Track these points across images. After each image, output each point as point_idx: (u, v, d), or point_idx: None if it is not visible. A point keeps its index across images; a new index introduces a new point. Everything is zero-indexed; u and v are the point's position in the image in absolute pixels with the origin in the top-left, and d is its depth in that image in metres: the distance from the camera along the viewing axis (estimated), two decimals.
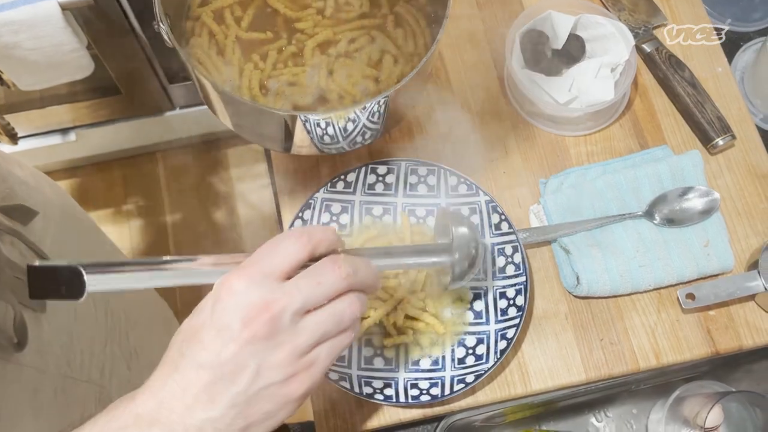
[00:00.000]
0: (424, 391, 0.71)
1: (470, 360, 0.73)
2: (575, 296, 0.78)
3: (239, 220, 1.86)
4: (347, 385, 0.70)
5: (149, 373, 0.86)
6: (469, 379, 0.71)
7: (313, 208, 0.77)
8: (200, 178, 1.92)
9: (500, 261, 0.77)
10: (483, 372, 0.71)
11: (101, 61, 1.41)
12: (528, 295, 0.74)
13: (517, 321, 0.73)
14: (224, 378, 0.46)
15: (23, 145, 1.66)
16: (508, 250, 0.76)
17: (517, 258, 0.76)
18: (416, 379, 0.73)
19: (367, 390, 0.71)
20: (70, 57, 1.20)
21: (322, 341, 0.49)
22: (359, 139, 0.68)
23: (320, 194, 0.77)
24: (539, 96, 0.80)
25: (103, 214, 1.87)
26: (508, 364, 0.76)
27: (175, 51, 0.62)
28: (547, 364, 0.76)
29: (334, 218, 0.78)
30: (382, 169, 0.79)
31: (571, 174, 0.82)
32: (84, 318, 0.74)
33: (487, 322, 0.75)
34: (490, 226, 0.78)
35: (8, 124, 1.33)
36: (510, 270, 0.76)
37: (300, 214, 0.76)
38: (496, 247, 0.77)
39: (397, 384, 0.72)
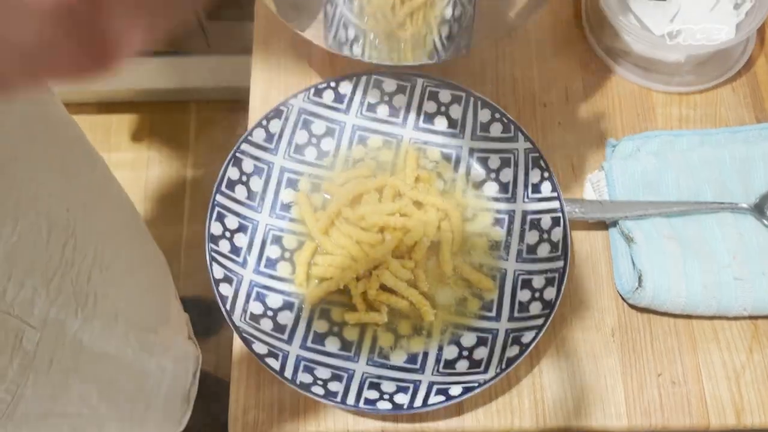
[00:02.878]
0: (386, 396, 0.49)
1: (462, 365, 0.50)
2: (631, 305, 0.55)
3: None
4: (276, 366, 0.48)
5: (106, 323, 0.68)
6: (455, 390, 0.48)
7: (285, 119, 0.56)
8: (232, 135, 1.76)
9: (531, 236, 0.54)
10: (477, 385, 0.48)
11: None
12: (563, 288, 0.50)
13: (540, 321, 0.50)
14: None
15: None
16: (546, 222, 0.53)
17: (557, 234, 0.52)
18: (379, 377, 0.50)
19: (305, 378, 0.49)
20: None
21: None
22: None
23: (297, 101, 0.56)
24: (628, 23, 0.57)
25: (123, 158, 1.72)
26: (518, 383, 0.52)
27: None
28: (574, 395, 0.52)
29: (314, 140, 0.57)
30: (389, 85, 0.57)
31: (655, 139, 0.58)
32: (25, 237, 0.55)
33: (497, 317, 0.52)
34: (527, 185, 0.55)
35: None
36: (543, 250, 0.53)
37: (264, 122, 0.55)
38: (529, 217, 0.54)
39: (350, 378, 0.50)
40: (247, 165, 0.54)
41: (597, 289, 0.55)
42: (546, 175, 0.54)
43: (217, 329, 1.46)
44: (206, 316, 1.49)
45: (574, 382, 0.52)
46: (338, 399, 0.48)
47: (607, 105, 0.61)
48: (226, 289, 0.50)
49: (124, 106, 1.78)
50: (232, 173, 0.54)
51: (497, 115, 0.56)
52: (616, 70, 0.62)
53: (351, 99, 0.57)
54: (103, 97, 1.74)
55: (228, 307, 0.50)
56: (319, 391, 0.48)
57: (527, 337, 0.50)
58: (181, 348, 0.87)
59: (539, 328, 0.49)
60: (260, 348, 0.49)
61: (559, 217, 0.53)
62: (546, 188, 0.54)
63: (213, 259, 0.51)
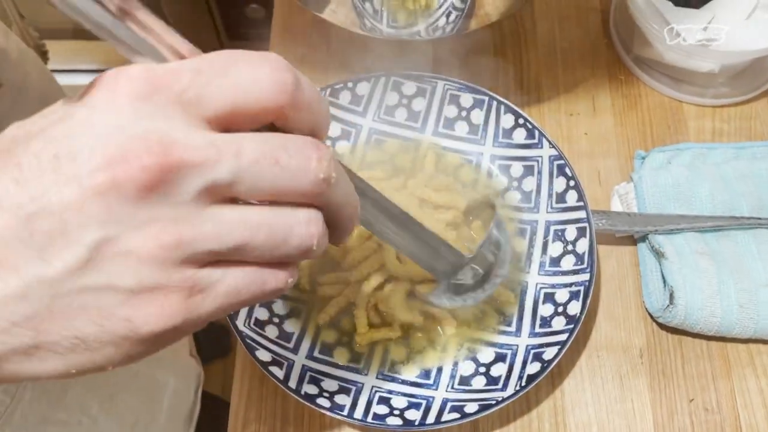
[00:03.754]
0: (396, 411, 0.45)
1: (479, 382, 0.47)
2: (661, 325, 0.51)
3: None
4: (280, 375, 0.45)
5: None
6: (470, 408, 0.45)
7: None
8: None
9: (555, 248, 0.51)
10: (494, 403, 0.44)
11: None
12: (588, 303, 0.47)
13: (563, 337, 0.46)
14: (31, 243, 0.23)
15: (63, 80, 1.54)
16: (570, 233, 0.50)
17: (582, 246, 0.49)
18: (390, 392, 0.47)
19: (311, 389, 0.46)
20: None
21: (233, 258, 0.25)
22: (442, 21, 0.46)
23: None
24: (659, 29, 0.55)
25: None
26: (538, 404, 0.49)
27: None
28: (599, 419, 0.48)
29: (328, 142, 0.55)
30: (409, 88, 0.55)
31: (687, 151, 0.55)
32: None
33: (517, 332, 0.49)
34: (551, 195, 0.52)
35: (39, 37, 1.20)
36: (567, 263, 0.50)
37: None
38: (552, 228, 0.51)
39: (358, 392, 0.47)
40: None
41: (624, 307, 0.52)
42: (572, 183, 0.51)
43: (227, 353, 1.43)
44: (216, 342, 1.46)
45: (598, 406, 0.49)
46: (345, 412, 0.44)
47: (637, 117, 0.58)
48: None
49: None
50: None
51: (521, 121, 0.53)
52: (646, 81, 0.59)
53: (369, 101, 0.55)
54: None
55: None
56: (325, 403, 0.45)
57: (549, 353, 0.46)
58: (182, 362, 0.84)
59: (562, 344, 0.46)
60: (264, 355, 0.46)
61: (585, 228, 0.50)
62: (571, 197, 0.51)
63: None
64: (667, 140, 0.57)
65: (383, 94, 0.55)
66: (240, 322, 0.47)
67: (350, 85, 0.54)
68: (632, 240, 0.54)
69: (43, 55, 1.21)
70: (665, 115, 0.59)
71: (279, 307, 0.49)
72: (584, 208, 0.50)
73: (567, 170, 0.51)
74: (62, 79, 1.59)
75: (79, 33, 1.41)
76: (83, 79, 1.51)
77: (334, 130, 0.55)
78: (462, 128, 0.55)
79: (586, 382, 0.50)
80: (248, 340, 0.46)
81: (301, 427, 0.48)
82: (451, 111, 0.55)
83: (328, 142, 0.54)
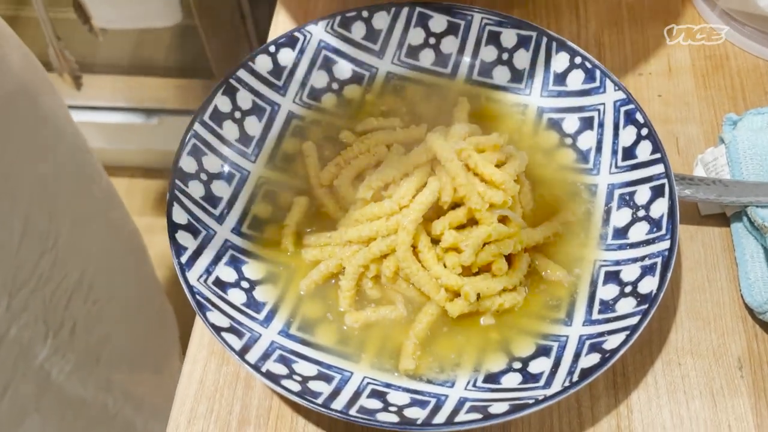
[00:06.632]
0: (393, 408, 0.32)
1: (511, 380, 0.34)
2: (766, 325, 0.37)
3: None
4: (237, 345, 0.33)
5: (84, 362, 0.55)
6: (498, 408, 0.31)
7: (300, 51, 0.43)
8: None
9: (620, 217, 0.38)
10: (532, 402, 0.31)
11: (199, 34, 1.24)
12: (669, 277, 0.34)
13: (633, 321, 0.33)
14: None
15: (101, 117, 1.50)
16: (642, 195, 0.38)
17: (659, 209, 0.37)
18: (388, 385, 0.34)
19: (278, 368, 0.33)
20: None
21: None
22: None
23: (318, 30, 0.44)
24: None
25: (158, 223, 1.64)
26: (595, 423, 0.35)
27: None
28: None
29: (335, 85, 0.44)
30: (437, 22, 0.44)
31: None
32: None
33: (568, 320, 0.36)
34: (615, 151, 0.40)
35: (75, 62, 1.17)
36: (637, 232, 0.37)
37: (272, 49, 0.43)
38: (616, 192, 0.39)
39: (344, 381, 0.34)
40: (244, 99, 0.42)
41: (715, 303, 0.38)
42: (644, 132, 0.39)
43: None
44: None
45: (680, 430, 0.35)
46: (319, 401, 0.31)
47: (724, 80, 0.47)
48: (186, 240, 0.36)
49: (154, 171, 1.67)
50: (222, 104, 0.41)
51: (577, 60, 0.42)
52: (734, 41, 0.48)
53: (387, 38, 0.44)
54: (154, 158, 1.66)
55: (183, 260, 0.35)
56: (294, 386, 0.32)
57: (613, 341, 0.33)
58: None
59: (632, 329, 0.33)
60: (218, 319, 0.34)
61: (663, 185, 0.37)
62: (644, 150, 0.39)
63: (175, 198, 0.37)
64: (761, 103, 0.45)
65: (405, 29, 0.44)
66: (192, 276, 0.35)
67: (365, 14, 0.44)
68: (723, 219, 0.41)
69: (76, 80, 1.16)
70: (760, 80, 0.47)
71: (251, 270, 0.38)
72: (662, 160, 0.38)
73: (638, 116, 0.39)
74: (113, 116, 1.55)
75: (134, 69, 1.38)
76: (132, 118, 1.46)
77: (344, 70, 0.44)
78: (502, 75, 0.44)
79: (663, 397, 0.36)
80: (199, 297, 0.34)
81: (265, 428, 0.35)
82: (489, 53, 0.44)
83: (335, 84, 0.44)
